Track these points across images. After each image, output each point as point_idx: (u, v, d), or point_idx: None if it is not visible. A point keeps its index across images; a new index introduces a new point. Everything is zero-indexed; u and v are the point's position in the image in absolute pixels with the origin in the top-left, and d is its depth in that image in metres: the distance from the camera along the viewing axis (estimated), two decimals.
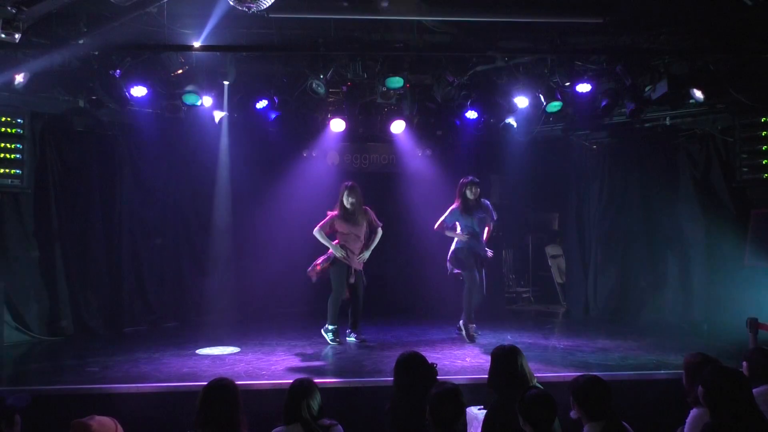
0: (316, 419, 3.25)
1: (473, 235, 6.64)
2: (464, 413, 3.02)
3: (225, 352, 6.15)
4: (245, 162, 8.56)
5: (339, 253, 6.39)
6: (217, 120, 7.70)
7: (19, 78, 6.06)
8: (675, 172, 7.82)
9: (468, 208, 6.61)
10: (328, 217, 6.54)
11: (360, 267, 6.60)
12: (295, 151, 8.94)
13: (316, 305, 8.83)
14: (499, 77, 7.63)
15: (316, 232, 6.49)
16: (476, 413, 3.46)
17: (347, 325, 6.77)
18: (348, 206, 6.47)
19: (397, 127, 8.41)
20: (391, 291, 8.75)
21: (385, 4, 5.74)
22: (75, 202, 7.29)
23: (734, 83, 6.66)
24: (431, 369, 3.57)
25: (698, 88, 6.75)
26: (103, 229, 7.48)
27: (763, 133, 6.51)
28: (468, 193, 6.60)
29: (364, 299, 6.72)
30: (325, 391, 3.50)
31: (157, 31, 6.08)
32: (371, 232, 6.66)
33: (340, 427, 3.32)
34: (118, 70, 6.63)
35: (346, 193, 6.48)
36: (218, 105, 7.50)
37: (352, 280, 6.53)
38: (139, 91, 6.77)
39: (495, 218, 6.85)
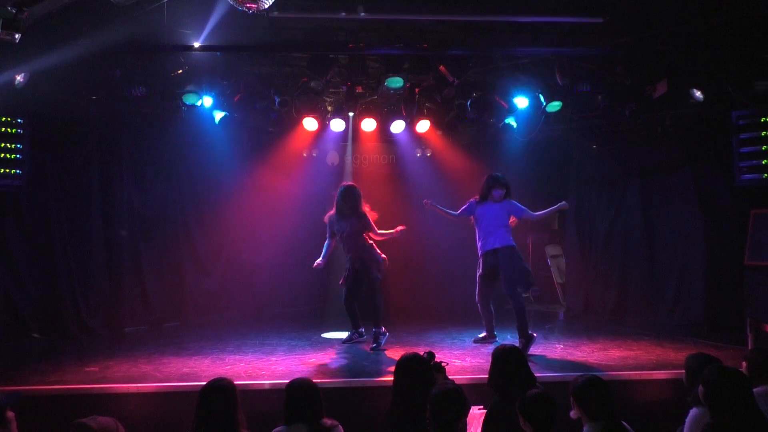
0: (317, 419, 3.24)
1: (486, 228, 6.37)
2: (466, 413, 3.02)
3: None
4: (245, 162, 8.57)
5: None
6: (217, 120, 7.70)
7: (19, 78, 6.06)
8: (675, 172, 7.82)
9: (485, 204, 6.42)
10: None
11: (359, 266, 6.42)
12: (295, 151, 8.94)
13: (316, 305, 8.87)
14: (499, 77, 7.64)
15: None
16: (476, 413, 3.47)
17: (357, 326, 6.70)
18: (340, 207, 6.42)
19: (397, 127, 8.42)
20: (392, 291, 8.74)
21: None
22: (75, 202, 7.28)
23: (734, 83, 6.66)
24: (431, 370, 3.58)
25: (698, 88, 6.75)
26: (103, 228, 7.48)
27: (763, 133, 6.50)
28: (493, 192, 6.37)
29: (371, 296, 6.46)
30: (325, 391, 3.50)
31: (157, 31, 6.07)
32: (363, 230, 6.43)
33: (340, 427, 3.32)
34: (118, 70, 6.63)
35: (338, 194, 6.45)
36: (218, 105, 7.51)
37: (340, 282, 6.47)
38: (139, 91, 6.76)
39: (520, 216, 6.46)
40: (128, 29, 5.98)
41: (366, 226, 6.40)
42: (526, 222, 7.01)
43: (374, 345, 6.29)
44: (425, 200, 6.62)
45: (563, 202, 6.53)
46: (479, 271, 6.50)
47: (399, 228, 6.50)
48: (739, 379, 2.94)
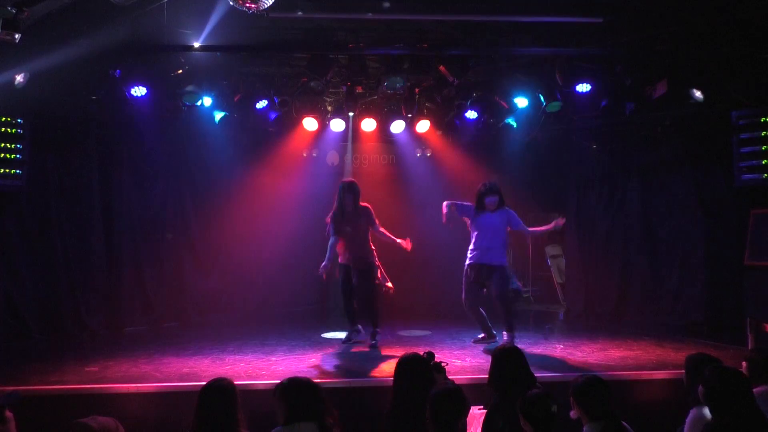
0: (326, 417, 3.18)
1: (487, 240, 6.38)
2: (466, 413, 3.02)
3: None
4: (245, 162, 8.57)
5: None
6: (217, 120, 7.70)
7: (19, 78, 6.06)
8: (675, 172, 7.82)
9: (483, 213, 6.42)
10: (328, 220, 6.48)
11: (363, 267, 6.42)
12: (295, 151, 8.95)
13: (316, 305, 8.87)
14: (499, 77, 7.64)
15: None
16: (476, 413, 3.47)
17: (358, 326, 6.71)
18: (342, 204, 6.35)
19: (397, 127, 8.42)
20: (392, 291, 8.76)
21: (386, 5, 5.78)
22: (75, 202, 7.29)
23: (734, 83, 6.66)
24: (431, 370, 3.57)
25: (698, 88, 6.75)
26: (103, 228, 7.48)
27: (763, 133, 6.50)
28: (485, 201, 6.39)
29: (371, 300, 6.47)
30: (325, 391, 3.48)
31: (157, 31, 6.07)
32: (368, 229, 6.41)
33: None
34: (118, 70, 6.63)
35: (340, 191, 6.37)
36: (218, 105, 7.51)
37: (354, 282, 6.43)
38: (139, 91, 6.76)
39: (516, 228, 6.53)
40: (128, 29, 5.98)
41: (369, 221, 6.37)
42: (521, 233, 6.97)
43: (372, 342, 6.33)
44: (444, 221, 6.42)
45: (559, 220, 6.60)
46: (469, 279, 6.44)
47: (404, 241, 6.53)
48: (739, 379, 2.94)
